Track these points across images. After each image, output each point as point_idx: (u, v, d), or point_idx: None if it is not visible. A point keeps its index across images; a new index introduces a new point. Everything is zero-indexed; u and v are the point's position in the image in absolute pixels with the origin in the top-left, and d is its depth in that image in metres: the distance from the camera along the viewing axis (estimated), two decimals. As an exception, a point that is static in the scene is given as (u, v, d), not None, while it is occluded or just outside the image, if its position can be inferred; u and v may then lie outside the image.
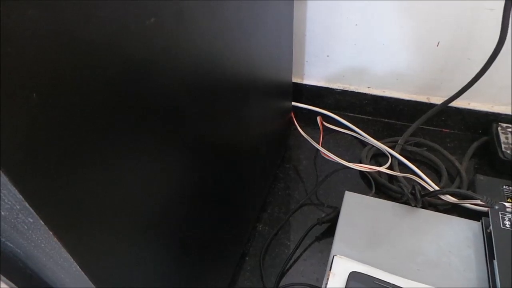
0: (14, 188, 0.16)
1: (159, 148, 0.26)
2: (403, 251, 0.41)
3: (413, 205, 0.46)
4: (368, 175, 0.59)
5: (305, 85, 0.73)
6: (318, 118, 0.67)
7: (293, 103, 0.71)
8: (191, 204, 0.33)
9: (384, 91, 0.70)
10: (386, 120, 0.72)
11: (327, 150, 0.58)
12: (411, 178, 0.55)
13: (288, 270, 0.49)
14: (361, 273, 0.37)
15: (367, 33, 0.64)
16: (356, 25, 0.63)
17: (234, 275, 0.48)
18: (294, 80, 0.72)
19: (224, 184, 0.40)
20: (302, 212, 0.56)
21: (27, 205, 0.17)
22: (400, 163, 0.60)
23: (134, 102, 0.22)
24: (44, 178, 0.17)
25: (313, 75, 0.72)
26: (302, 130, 0.65)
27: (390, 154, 0.61)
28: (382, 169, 0.54)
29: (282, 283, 0.47)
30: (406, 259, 0.41)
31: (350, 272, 0.37)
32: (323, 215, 0.53)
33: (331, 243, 0.43)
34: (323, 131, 0.67)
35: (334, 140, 0.68)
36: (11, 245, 0.22)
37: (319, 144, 0.61)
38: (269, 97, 0.52)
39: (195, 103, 0.29)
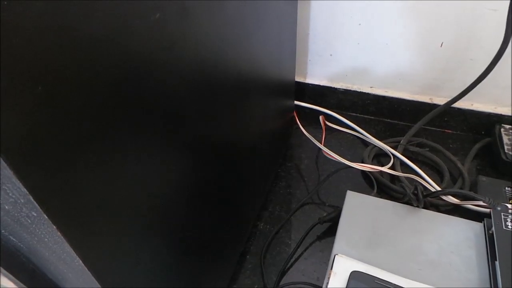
0: (19, 181, 0.16)
1: (160, 147, 0.26)
2: (404, 251, 0.41)
3: (415, 205, 0.46)
4: (370, 175, 0.59)
5: (308, 84, 0.73)
6: (321, 118, 0.67)
7: (296, 102, 0.71)
8: (192, 203, 0.33)
9: (386, 91, 0.70)
10: (388, 120, 0.72)
11: (329, 149, 0.58)
12: (413, 179, 0.55)
13: (289, 269, 0.49)
14: (362, 272, 0.37)
15: (370, 32, 0.63)
16: (360, 24, 0.63)
17: (234, 273, 0.48)
18: (297, 79, 0.72)
19: (225, 183, 0.40)
20: (303, 211, 0.56)
21: (31, 198, 0.17)
22: (402, 164, 0.60)
23: (136, 99, 0.22)
24: (48, 172, 0.17)
25: (316, 74, 0.72)
26: (304, 129, 0.65)
27: (392, 154, 0.61)
28: (384, 169, 0.54)
29: (282, 282, 0.47)
30: (407, 259, 0.41)
31: (351, 272, 0.37)
32: (324, 214, 0.53)
33: (332, 242, 0.43)
34: (325, 131, 0.67)
35: (336, 140, 0.68)
36: (14, 239, 0.22)
37: (321, 144, 0.61)
38: (272, 96, 0.52)
39: (196, 102, 0.29)
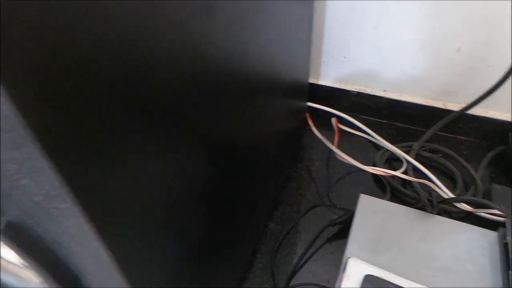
0: (54, 174, 0.16)
1: (176, 147, 0.26)
2: (418, 256, 0.41)
3: (429, 211, 0.46)
4: (383, 179, 0.58)
5: (321, 85, 0.72)
6: (333, 120, 0.67)
7: (308, 103, 0.70)
8: (204, 202, 0.33)
9: (400, 95, 0.69)
10: (400, 124, 0.71)
11: (338, 153, 0.58)
12: (425, 184, 0.55)
13: (299, 269, 0.49)
14: (377, 276, 0.36)
15: (385, 35, 0.63)
16: (375, 27, 0.63)
17: (245, 272, 0.48)
18: (310, 80, 0.72)
19: (236, 182, 0.40)
20: (314, 213, 0.56)
21: (64, 191, 0.17)
22: (415, 169, 0.60)
23: (154, 97, 0.22)
24: (80, 167, 0.17)
25: (329, 76, 0.72)
26: (316, 130, 0.65)
27: (405, 159, 0.60)
28: (398, 173, 0.53)
29: (292, 283, 0.47)
30: (420, 265, 0.40)
31: (365, 275, 0.37)
32: (335, 216, 0.53)
33: (342, 245, 0.43)
34: (337, 133, 0.67)
35: (348, 143, 0.68)
36: (38, 229, 0.22)
37: (334, 146, 0.61)
38: (285, 97, 0.52)
39: (212, 101, 0.29)
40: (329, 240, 0.52)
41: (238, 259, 0.46)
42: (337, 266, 0.48)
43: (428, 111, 0.68)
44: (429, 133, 0.63)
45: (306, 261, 0.50)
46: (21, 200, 0.20)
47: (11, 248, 0.23)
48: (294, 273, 0.48)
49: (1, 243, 0.25)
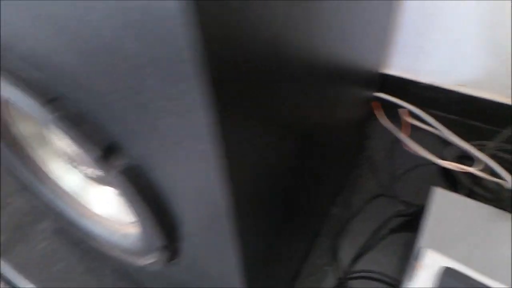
0: (206, 113, 0.16)
1: (285, 126, 0.26)
2: (496, 256, 0.39)
3: (509, 211, 0.43)
4: (455, 176, 0.56)
5: (392, 75, 0.70)
6: (402, 111, 0.64)
7: (377, 93, 0.68)
8: (288, 178, 0.33)
9: (476, 91, 0.65)
10: (472, 122, 0.68)
11: (407, 144, 0.56)
12: (500, 185, 0.52)
13: (360, 256, 0.48)
14: (458, 270, 0.35)
15: (466, 27, 0.59)
16: (456, 18, 0.59)
17: (307, 252, 0.48)
18: (381, 69, 0.70)
19: (310, 164, 0.39)
20: (376, 202, 0.55)
21: (207, 132, 0.17)
22: (489, 168, 0.56)
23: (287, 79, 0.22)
24: (229, 115, 0.18)
25: (401, 66, 0.69)
26: (383, 121, 0.63)
27: (480, 158, 0.57)
28: (474, 170, 0.51)
29: (354, 269, 0.47)
30: (499, 265, 0.38)
31: (445, 268, 0.35)
32: (398, 208, 0.51)
33: (406, 237, 0.42)
34: (406, 125, 0.65)
35: (415, 136, 0.65)
36: (154, 175, 0.23)
37: (405, 136, 0.59)
38: (357, 85, 0.50)
39: (298, 83, 0.29)
40: (393, 231, 0.51)
41: (302, 239, 0.46)
42: (401, 257, 0.47)
43: (507, 110, 0.64)
44: (506, 132, 0.59)
45: (369, 249, 0.49)
46: (150, 141, 0.21)
47: (126, 191, 0.24)
48: (356, 258, 0.47)
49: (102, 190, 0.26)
